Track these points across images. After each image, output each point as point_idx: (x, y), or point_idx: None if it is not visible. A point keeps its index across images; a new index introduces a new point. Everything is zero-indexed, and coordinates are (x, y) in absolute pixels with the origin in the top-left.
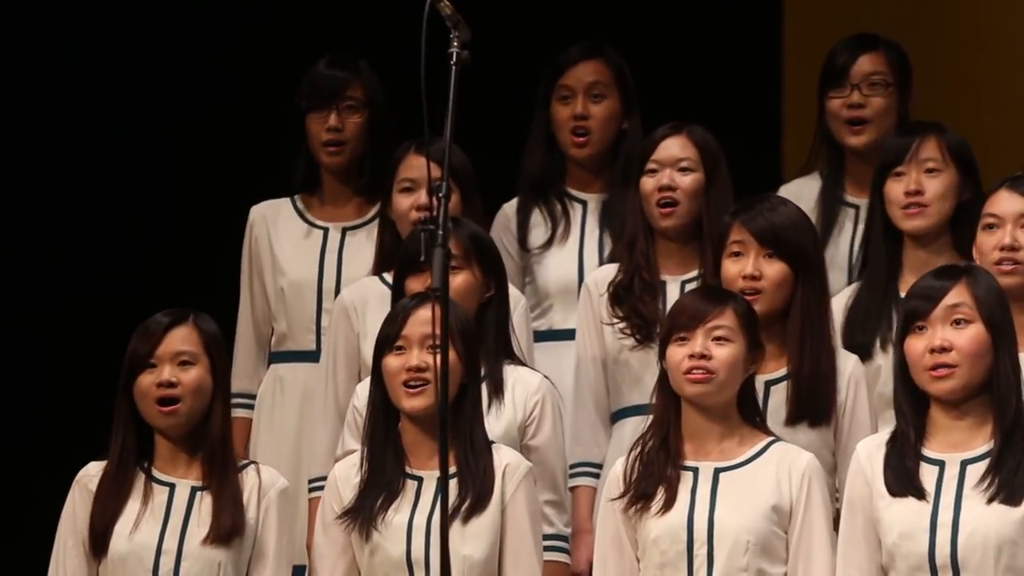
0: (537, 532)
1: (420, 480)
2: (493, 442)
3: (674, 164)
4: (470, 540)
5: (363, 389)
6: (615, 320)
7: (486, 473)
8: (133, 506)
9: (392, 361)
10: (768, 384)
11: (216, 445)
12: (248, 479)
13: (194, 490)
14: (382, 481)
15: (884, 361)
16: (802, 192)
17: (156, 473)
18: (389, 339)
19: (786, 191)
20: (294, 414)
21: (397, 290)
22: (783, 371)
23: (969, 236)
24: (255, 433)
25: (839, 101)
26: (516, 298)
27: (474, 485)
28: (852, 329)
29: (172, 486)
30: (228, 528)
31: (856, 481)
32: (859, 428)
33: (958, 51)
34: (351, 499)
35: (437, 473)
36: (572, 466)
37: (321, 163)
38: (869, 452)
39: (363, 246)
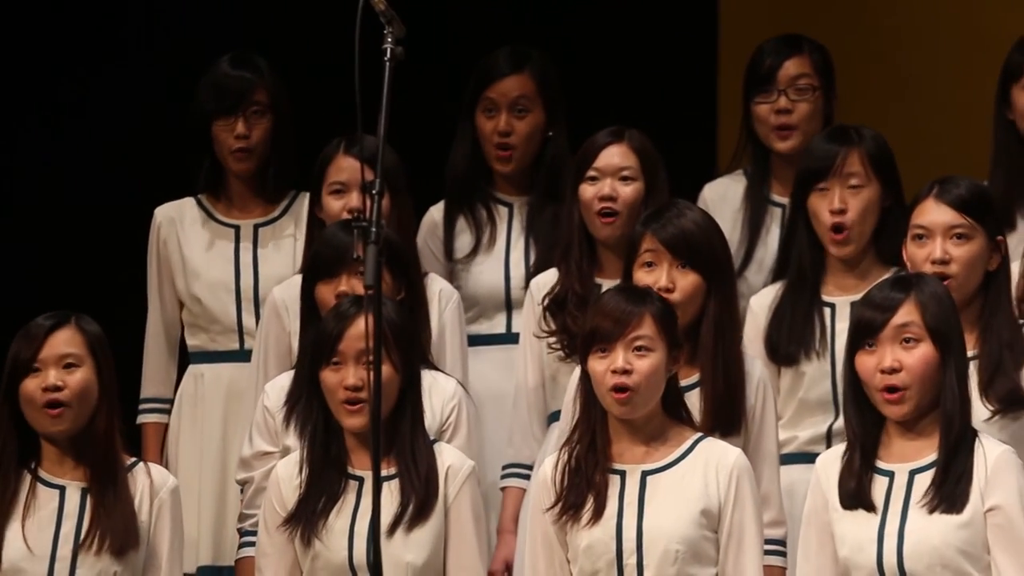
0: (481, 532)
1: (361, 481)
2: (436, 441)
3: (615, 173)
4: (413, 546)
5: (272, 389)
6: (545, 332)
7: (428, 478)
8: (22, 511)
9: (330, 377)
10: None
11: (101, 448)
12: (138, 480)
13: (84, 491)
14: (323, 485)
15: (809, 368)
16: (727, 191)
17: (44, 475)
18: (325, 352)
19: (711, 190)
20: (218, 413)
21: (307, 295)
22: (694, 379)
23: (890, 242)
24: (175, 435)
25: (766, 107)
26: (449, 294)
27: (416, 491)
28: (778, 337)
29: (62, 489)
30: (120, 540)
31: (814, 493)
32: (767, 431)
33: (887, 50)
34: (293, 501)
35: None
36: (504, 467)
37: (229, 168)
38: (826, 465)
39: (277, 242)
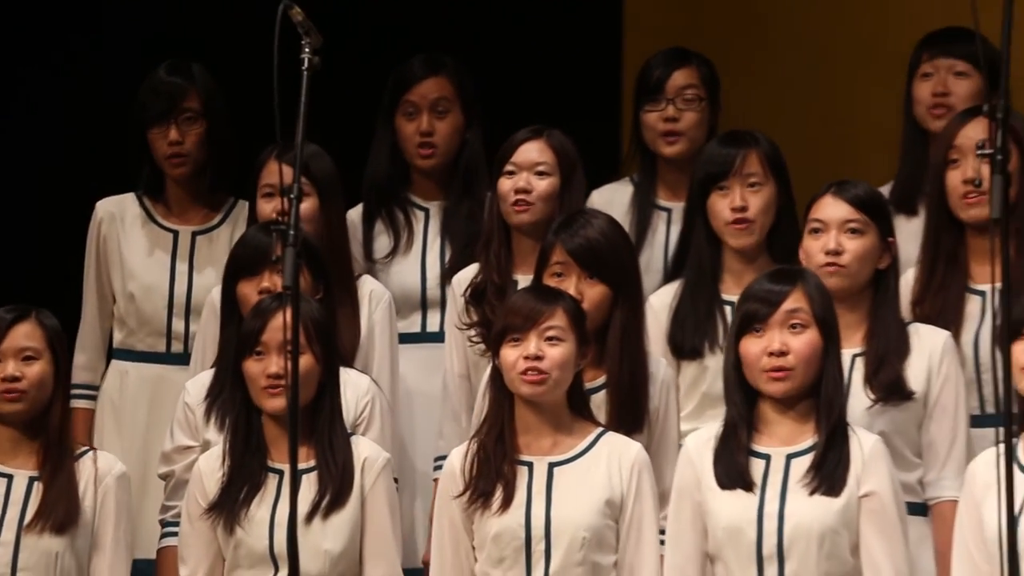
0: (396, 521)
1: (281, 473)
2: (352, 433)
3: (531, 168)
4: (331, 534)
5: (193, 386)
6: (466, 325)
7: (345, 468)
8: None
9: (252, 366)
10: (586, 392)
11: (54, 436)
12: (84, 467)
13: (32, 480)
14: (244, 475)
15: (712, 362)
16: (614, 196)
17: None
18: (249, 343)
19: (598, 196)
20: (142, 411)
21: (228, 293)
22: (600, 381)
23: (782, 241)
24: (100, 425)
25: (655, 114)
26: (380, 294)
27: (333, 481)
28: (681, 333)
29: (10, 477)
30: (61, 517)
31: (685, 472)
32: (670, 430)
33: (781, 58)
34: (215, 492)
35: (299, 467)
36: (436, 459)
37: (166, 173)
38: (698, 445)
39: (213, 250)
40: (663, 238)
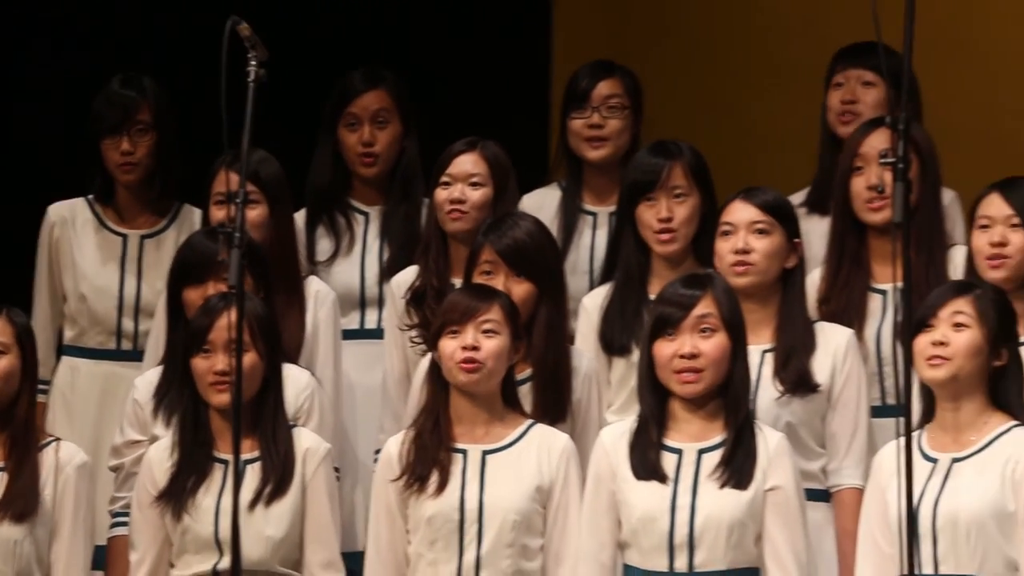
0: (335, 508)
1: (227, 464)
2: (294, 425)
3: (466, 179)
4: (273, 521)
5: (142, 383)
6: (408, 326)
7: (287, 458)
8: None
9: (200, 363)
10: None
11: (19, 428)
12: (47, 457)
13: None
14: (192, 466)
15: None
16: (543, 201)
17: None
18: (197, 341)
19: (529, 200)
20: (93, 405)
21: (173, 297)
22: (526, 373)
23: (707, 245)
24: (52, 418)
25: (580, 121)
26: (325, 294)
27: (275, 470)
28: (611, 331)
29: None
30: (21, 507)
31: (601, 463)
32: (591, 421)
33: (700, 70)
34: (164, 481)
35: (244, 458)
36: (375, 452)
37: (117, 180)
38: (613, 438)
39: (160, 253)
40: (588, 241)
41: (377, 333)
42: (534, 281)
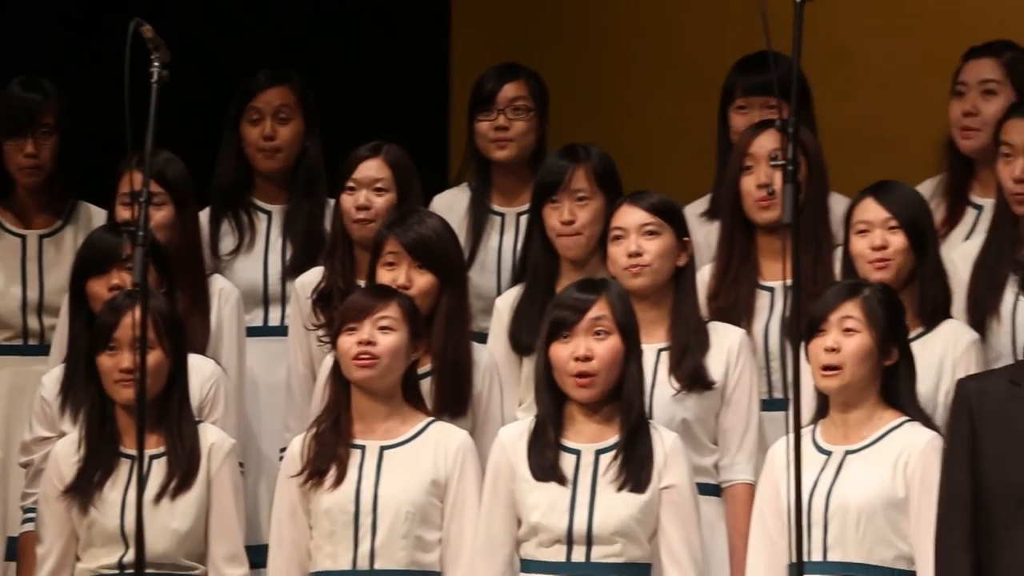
0: (239, 502)
1: (133, 459)
2: (200, 421)
3: (370, 184)
4: (178, 514)
5: (48, 380)
6: (314, 326)
7: (192, 453)
8: None
9: (106, 360)
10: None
11: None
12: None
13: None
14: (99, 461)
15: None
16: (454, 201)
17: None
18: (102, 339)
19: (439, 201)
20: (2, 404)
21: (77, 290)
22: (427, 367)
23: None
24: None
25: (487, 123)
26: (229, 292)
27: (181, 465)
28: (519, 331)
29: None
30: None
31: (499, 461)
32: (492, 415)
33: (600, 77)
34: (71, 476)
35: (149, 453)
36: (281, 450)
37: (18, 182)
38: (512, 438)
39: (60, 251)
40: (496, 240)
41: (280, 330)
42: (436, 273)
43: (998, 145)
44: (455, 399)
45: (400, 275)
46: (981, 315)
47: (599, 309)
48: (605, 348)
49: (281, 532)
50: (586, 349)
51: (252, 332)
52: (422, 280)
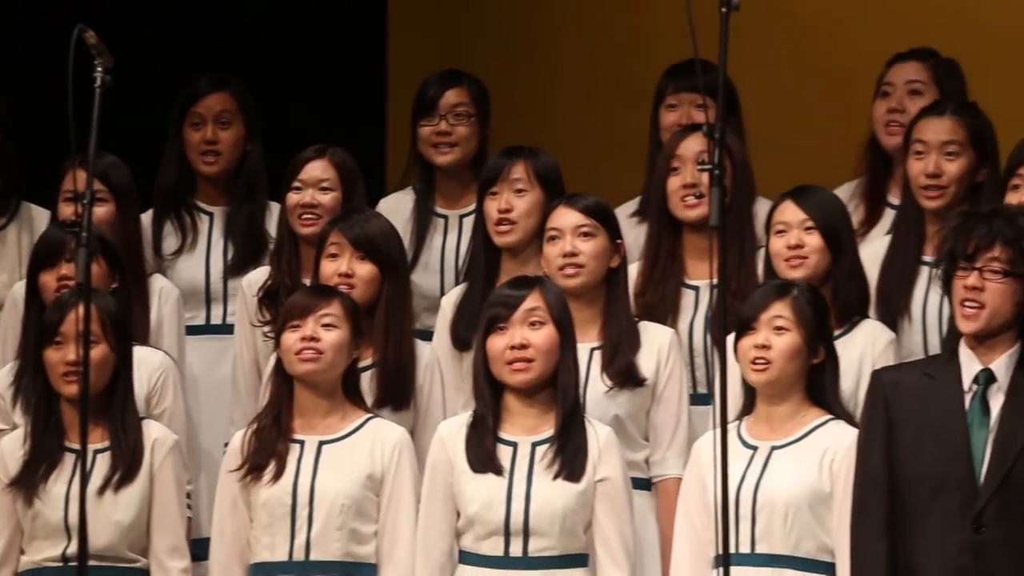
0: (181, 496)
1: (77, 452)
2: (144, 418)
3: (315, 184)
4: (121, 507)
5: (2, 374)
6: (261, 322)
7: (135, 447)
8: None
9: (52, 354)
10: (358, 371)
11: None
12: None
13: None
14: (44, 454)
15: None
16: (399, 205)
17: None
18: (48, 334)
19: (385, 203)
20: None
21: (31, 284)
22: (369, 360)
23: None
24: None
25: (429, 128)
26: (169, 291)
27: (124, 459)
28: (460, 326)
29: None
30: None
31: (439, 455)
32: (433, 409)
33: (532, 82)
34: (16, 469)
35: (93, 447)
36: (225, 445)
37: None
38: (451, 431)
39: (3, 250)
40: (440, 241)
41: (221, 328)
42: (377, 265)
43: (910, 143)
44: (397, 391)
45: (343, 264)
46: (892, 314)
47: (533, 301)
48: (540, 336)
49: (222, 525)
50: (521, 338)
51: (193, 330)
52: (363, 270)
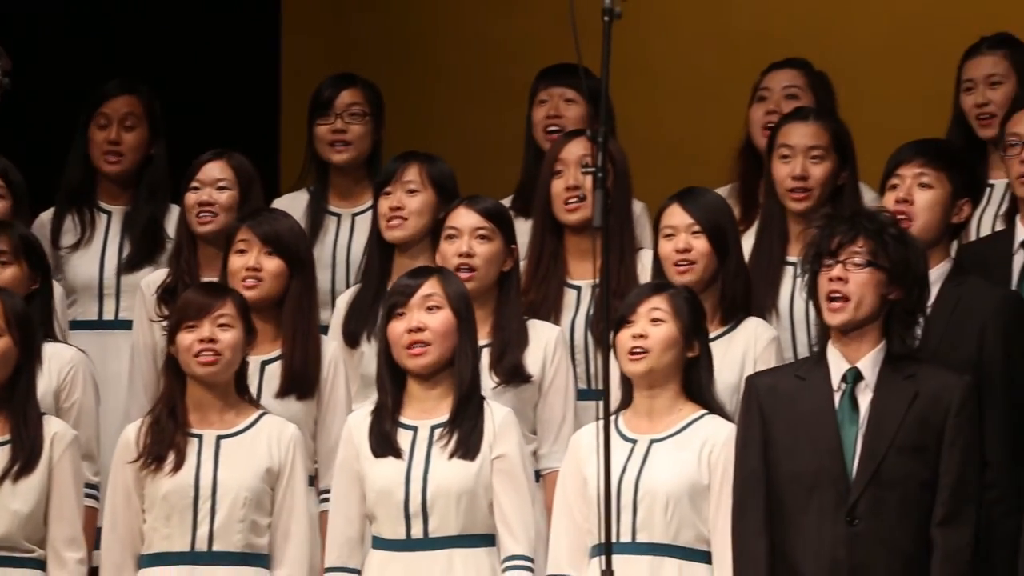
0: (79, 488)
1: None
2: (45, 414)
3: (213, 183)
4: (20, 497)
5: None
6: (159, 316)
7: (35, 440)
8: None
9: None
10: (264, 363)
11: None
12: None
13: None
14: None
15: (368, 348)
16: (292, 204)
17: None
18: None
19: (279, 203)
20: None
21: None
22: (277, 352)
23: None
24: None
25: (325, 127)
26: (56, 290)
27: (24, 451)
28: (349, 322)
29: None
30: None
31: (347, 444)
32: (336, 401)
33: (421, 87)
34: None
35: None
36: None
37: None
38: (357, 422)
39: None
40: (332, 238)
41: (113, 324)
42: (285, 260)
43: (775, 147)
44: (302, 383)
45: (251, 259)
46: (759, 312)
47: (430, 287)
48: (437, 320)
49: (115, 515)
50: (418, 321)
51: (86, 325)
52: (271, 264)
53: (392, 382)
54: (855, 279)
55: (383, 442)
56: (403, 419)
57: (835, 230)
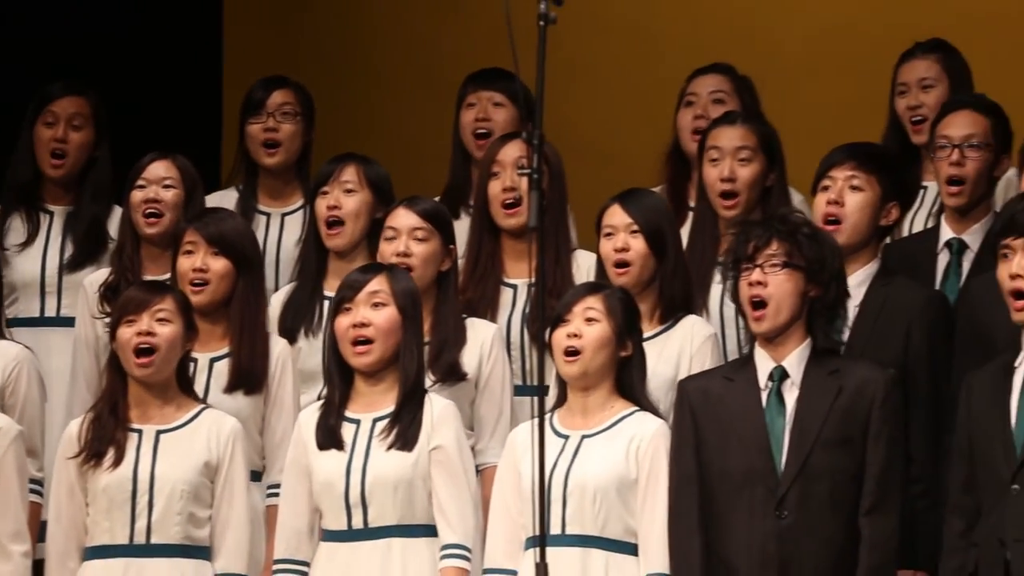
0: (24, 483)
1: None
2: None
3: (159, 182)
4: None
5: None
6: (101, 313)
7: None
8: None
9: None
10: (212, 360)
11: None
12: None
13: None
14: None
15: (305, 344)
16: (222, 203)
17: None
18: None
19: (209, 201)
20: None
21: None
22: (225, 350)
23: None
24: None
25: (257, 126)
26: None
27: None
28: (286, 318)
29: None
30: None
31: (297, 439)
32: (283, 397)
33: (361, 90)
34: None
35: None
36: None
37: None
38: (307, 416)
39: None
40: (262, 237)
41: (54, 321)
42: (231, 259)
43: (704, 150)
44: (250, 377)
45: (197, 260)
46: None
47: (377, 284)
48: (381, 317)
49: (59, 509)
50: (363, 316)
51: (27, 322)
52: (218, 265)
53: (340, 377)
54: (774, 281)
55: (328, 435)
56: (348, 413)
57: (750, 235)
